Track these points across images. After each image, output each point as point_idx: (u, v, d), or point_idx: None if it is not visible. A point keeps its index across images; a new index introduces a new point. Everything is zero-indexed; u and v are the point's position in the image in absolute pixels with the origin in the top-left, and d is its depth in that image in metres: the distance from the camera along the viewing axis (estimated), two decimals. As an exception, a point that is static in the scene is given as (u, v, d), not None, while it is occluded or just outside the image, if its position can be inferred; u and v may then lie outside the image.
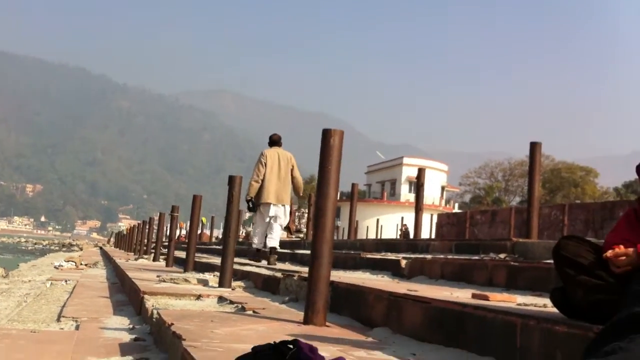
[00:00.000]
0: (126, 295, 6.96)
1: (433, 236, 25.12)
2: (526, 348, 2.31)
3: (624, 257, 2.16)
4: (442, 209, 51.97)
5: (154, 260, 13.96)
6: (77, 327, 4.37)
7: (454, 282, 5.16)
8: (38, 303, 6.48)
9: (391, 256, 7.14)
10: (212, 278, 6.68)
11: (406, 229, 28.26)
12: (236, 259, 7.02)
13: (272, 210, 8.50)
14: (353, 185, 14.81)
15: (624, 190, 55.97)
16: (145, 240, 19.78)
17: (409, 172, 57.09)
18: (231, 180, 6.62)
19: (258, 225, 8.84)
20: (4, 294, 7.83)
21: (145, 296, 5.04)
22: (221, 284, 6.10)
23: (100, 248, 38.00)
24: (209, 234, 29.72)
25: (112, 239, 53.23)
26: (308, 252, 5.02)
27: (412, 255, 6.87)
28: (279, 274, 5.81)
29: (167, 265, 10.75)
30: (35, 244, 68.86)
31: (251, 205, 8.59)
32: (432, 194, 53.30)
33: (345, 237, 18.16)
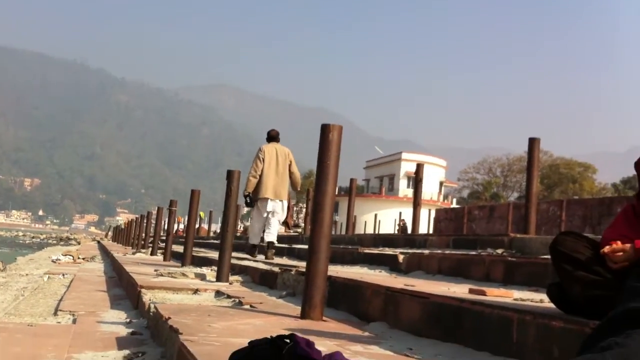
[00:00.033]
0: (123, 289, 6.96)
1: (431, 231, 25.15)
2: (522, 343, 2.31)
3: (621, 253, 2.16)
4: (440, 205, 52.03)
5: (151, 254, 13.96)
6: (74, 321, 4.37)
7: (452, 277, 5.16)
8: (35, 297, 6.48)
9: (389, 251, 7.14)
10: (209, 272, 6.67)
11: (404, 224, 28.27)
12: (234, 254, 7.03)
13: (270, 206, 8.51)
14: (351, 180, 14.81)
15: (622, 186, 56.05)
16: (143, 235, 19.77)
17: (407, 167, 57.11)
18: (230, 174, 6.61)
19: (255, 220, 8.85)
20: (1, 287, 7.83)
21: (143, 290, 5.04)
22: (219, 278, 6.10)
23: (98, 242, 37.98)
24: (207, 229, 29.72)
25: (110, 233, 53.23)
26: (306, 246, 5.02)
27: (410, 250, 6.87)
28: (276, 269, 5.81)
29: (164, 260, 10.75)
30: (33, 237, 68.81)
31: (249, 201, 8.60)
32: (430, 190, 53.34)
33: (343, 232, 18.17)
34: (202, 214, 31.05)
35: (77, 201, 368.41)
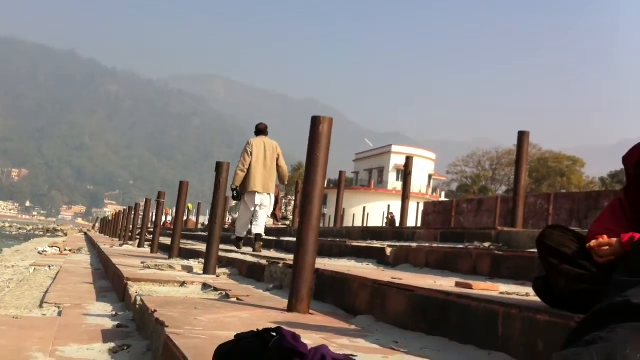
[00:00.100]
0: (110, 281, 6.93)
1: (419, 224, 25.22)
2: (508, 337, 2.32)
3: (607, 247, 2.17)
4: (429, 198, 52.19)
5: (138, 246, 13.91)
6: (59, 314, 4.34)
7: (439, 271, 5.17)
8: (21, 289, 6.44)
9: (377, 244, 7.14)
10: (196, 265, 6.66)
11: (392, 217, 28.35)
12: (221, 246, 7.01)
13: (258, 199, 8.51)
14: (341, 172, 14.81)
15: (609, 180, 56.43)
16: (131, 226, 19.70)
17: (397, 160, 57.19)
18: (219, 166, 6.59)
19: (243, 213, 8.85)
20: (-13, 279, 7.77)
21: (129, 282, 5.01)
22: (206, 270, 6.08)
23: (85, 234, 37.82)
24: (195, 221, 29.67)
25: (97, 225, 53.04)
26: (294, 239, 5.02)
27: (398, 244, 6.88)
28: (264, 261, 5.81)
29: (152, 252, 10.72)
30: (20, 229, 68.36)
31: (236, 194, 8.60)
32: (419, 182, 53.48)
33: (332, 225, 18.19)
34: (190, 205, 30.98)
35: (65, 192, 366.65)
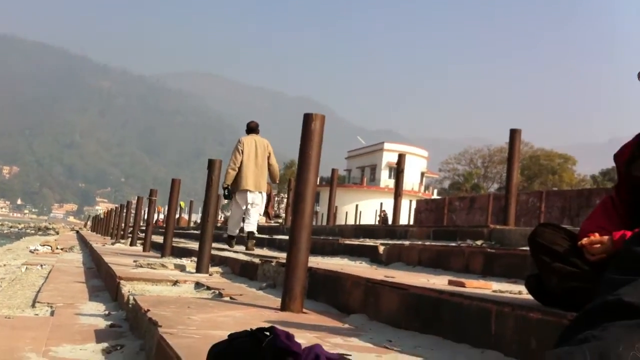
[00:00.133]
0: (102, 280, 6.91)
1: (411, 222, 25.28)
2: (501, 335, 2.33)
3: (598, 245, 2.17)
4: (421, 195, 52.27)
5: (131, 244, 13.87)
6: (52, 313, 4.33)
7: (431, 269, 5.18)
8: (13, 288, 6.41)
9: (369, 242, 7.16)
10: (189, 263, 6.65)
11: (385, 215, 28.37)
12: (214, 244, 7.01)
13: (250, 197, 8.52)
14: (333, 170, 14.81)
15: (601, 178, 56.66)
16: (123, 225, 19.64)
17: (389, 157, 57.24)
18: (211, 164, 6.58)
19: (235, 212, 8.85)
20: (-22, 278, 7.73)
21: (122, 282, 5.00)
22: (198, 269, 6.08)
23: (77, 232, 37.70)
24: (187, 219, 29.61)
25: (89, 223, 52.87)
26: (286, 237, 5.02)
27: (390, 242, 6.90)
28: (257, 260, 5.80)
29: (144, 250, 10.69)
30: (11, 227, 68.06)
31: (227, 193, 8.60)
32: (411, 180, 53.53)
33: (324, 223, 18.20)
34: (182, 203, 30.91)
35: (56, 190, 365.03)
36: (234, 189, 8.55)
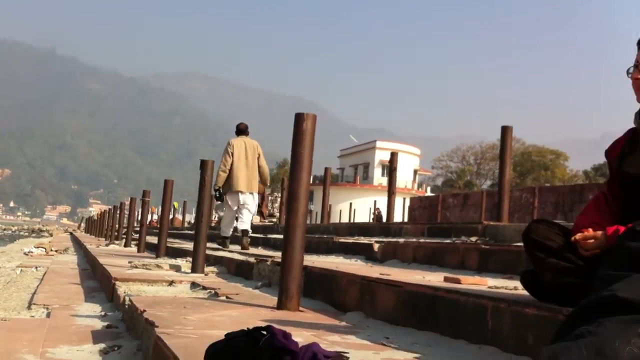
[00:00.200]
0: (97, 281, 6.90)
1: (406, 220, 25.31)
2: (497, 330, 2.34)
3: (592, 240, 2.19)
4: (414, 193, 52.33)
5: (125, 245, 13.85)
6: (48, 315, 4.32)
7: (427, 266, 5.20)
8: (8, 290, 6.39)
9: (364, 240, 7.17)
10: (184, 264, 6.65)
11: (379, 212, 28.40)
12: (209, 244, 7.00)
13: (242, 198, 8.54)
14: (326, 169, 14.82)
15: (593, 173, 56.88)
16: (117, 226, 19.59)
17: (382, 155, 57.29)
18: (203, 164, 6.57)
19: (227, 213, 8.88)
20: (-27, 281, 7.70)
21: (117, 282, 5.00)
22: (194, 269, 6.07)
23: (71, 234, 37.58)
24: (181, 219, 29.55)
25: (83, 225, 52.72)
26: (281, 236, 5.03)
27: (385, 239, 6.91)
28: (252, 259, 5.81)
29: (138, 251, 10.67)
30: (4, 229, 67.69)
31: (218, 195, 8.61)
32: (404, 178, 53.58)
33: (319, 221, 18.20)
34: (176, 204, 30.86)
35: (49, 192, 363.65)
36: (226, 191, 8.57)
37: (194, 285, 5.07)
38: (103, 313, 4.37)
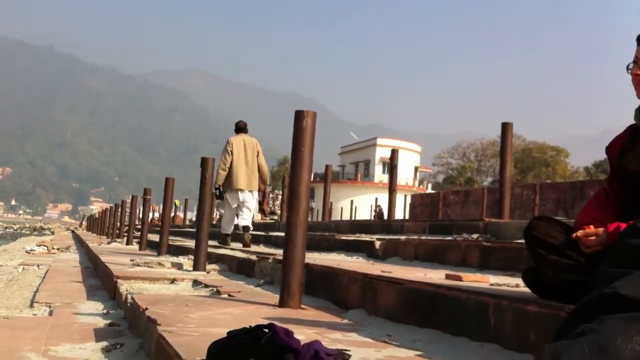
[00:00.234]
0: (99, 279, 6.91)
1: (407, 217, 25.30)
2: (499, 328, 2.35)
3: (593, 237, 2.19)
4: (415, 190, 52.34)
5: (127, 243, 13.86)
6: (50, 313, 4.33)
7: (428, 263, 5.20)
8: (10, 289, 6.40)
9: (365, 237, 7.17)
10: (186, 261, 6.66)
11: (380, 210, 28.40)
12: (210, 242, 7.01)
13: (241, 196, 8.55)
14: (327, 166, 14.81)
15: (594, 169, 56.85)
16: (118, 224, 19.62)
17: (382, 153, 57.26)
18: (204, 162, 6.58)
19: (227, 211, 8.88)
20: (-26, 279, 7.71)
21: (119, 280, 5.01)
22: (195, 267, 6.08)
23: (73, 232, 37.59)
24: (182, 217, 29.56)
25: (84, 223, 52.74)
26: (282, 234, 5.03)
27: (386, 237, 6.91)
28: (253, 257, 5.81)
29: (140, 249, 10.69)
30: (6, 228, 67.74)
31: (218, 194, 8.62)
32: (405, 175, 53.59)
33: (320, 219, 18.21)
34: (177, 202, 30.87)
35: (50, 190, 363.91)
36: (226, 189, 8.58)
37: (195, 283, 5.08)
38: (105, 311, 4.38)
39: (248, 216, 8.67)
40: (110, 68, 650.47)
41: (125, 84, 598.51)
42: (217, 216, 27.64)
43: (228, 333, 2.03)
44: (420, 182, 62.86)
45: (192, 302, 3.58)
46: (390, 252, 6.06)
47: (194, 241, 6.48)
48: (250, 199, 8.64)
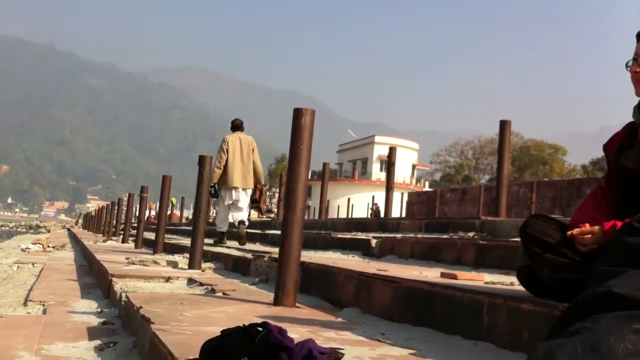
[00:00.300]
0: (94, 278, 6.89)
1: (404, 215, 25.32)
2: (493, 326, 2.34)
3: (589, 236, 2.18)
4: (413, 188, 52.36)
5: (122, 242, 13.85)
6: (44, 311, 4.31)
7: (424, 261, 5.19)
8: (5, 287, 6.38)
9: (362, 236, 7.16)
10: (181, 260, 6.64)
11: (377, 208, 28.41)
12: (206, 240, 7.00)
13: (236, 195, 8.54)
14: (324, 164, 14.80)
15: (591, 167, 56.91)
16: (114, 222, 19.58)
17: (380, 150, 57.26)
18: (201, 160, 6.56)
19: (222, 209, 8.87)
20: (-30, 277, 7.69)
21: (114, 279, 4.99)
22: (191, 265, 6.07)
23: (68, 230, 37.55)
24: (179, 215, 29.55)
25: (81, 221, 52.71)
26: (279, 232, 5.02)
27: (383, 235, 6.90)
28: (249, 255, 5.80)
29: (136, 247, 10.68)
30: (2, 226, 67.68)
31: (213, 192, 8.61)
32: (403, 173, 53.60)
33: (317, 217, 18.21)
34: (174, 200, 30.86)
35: (47, 188, 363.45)
36: (221, 186, 8.57)
37: (190, 281, 5.06)
38: (99, 309, 4.36)
39: (243, 212, 8.67)
40: (110, 65, 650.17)
41: (125, 82, 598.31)
42: (214, 214, 27.64)
43: (222, 332, 2.01)
44: (418, 180, 62.88)
45: (186, 301, 3.56)
46: (387, 251, 6.05)
47: (190, 239, 6.47)
48: (244, 197, 8.65)
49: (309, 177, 3.92)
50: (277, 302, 3.45)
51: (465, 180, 59.96)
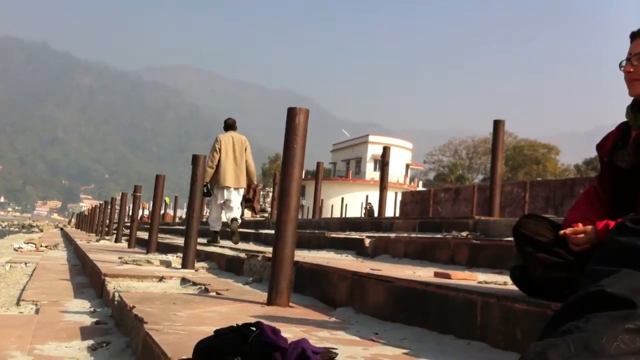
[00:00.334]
0: (87, 277, 6.87)
1: (397, 214, 25.33)
2: (486, 325, 2.34)
3: (582, 235, 2.18)
4: (406, 187, 52.40)
5: (116, 241, 13.80)
6: (37, 311, 4.29)
7: (417, 261, 5.20)
8: (-3, 286, 6.36)
9: (355, 235, 7.16)
10: (175, 259, 6.63)
11: (371, 207, 28.42)
12: (200, 240, 6.99)
13: (228, 194, 8.53)
14: (318, 164, 14.79)
15: (584, 167, 57.10)
16: (107, 221, 19.53)
17: (374, 150, 57.30)
18: (195, 159, 6.55)
19: (214, 208, 8.86)
20: (-38, 277, 7.65)
21: (107, 278, 4.98)
22: (184, 265, 6.06)
23: (61, 229, 37.45)
24: (172, 214, 29.49)
25: (74, 220, 52.56)
26: (272, 232, 5.02)
27: (376, 234, 6.90)
28: (242, 255, 5.79)
29: (129, 247, 10.65)
30: (-5, 225, 67.44)
31: (206, 191, 8.60)
32: (396, 172, 53.65)
33: (310, 216, 18.20)
34: (167, 199, 30.79)
35: (40, 187, 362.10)
36: (213, 185, 8.56)
37: (184, 281, 5.05)
38: (92, 309, 4.35)
39: (236, 210, 8.66)
40: (103, 65, 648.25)
41: (119, 81, 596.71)
42: (207, 214, 27.59)
43: (215, 331, 2.01)
44: (412, 180, 62.95)
45: (179, 300, 3.55)
46: (380, 250, 6.05)
47: (183, 239, 6.45)
48: (236, 197, 8.64)
49: (303, 177, 3.91)
50: (270, 301, 3.45)
51: (458, 179, 60.06)
